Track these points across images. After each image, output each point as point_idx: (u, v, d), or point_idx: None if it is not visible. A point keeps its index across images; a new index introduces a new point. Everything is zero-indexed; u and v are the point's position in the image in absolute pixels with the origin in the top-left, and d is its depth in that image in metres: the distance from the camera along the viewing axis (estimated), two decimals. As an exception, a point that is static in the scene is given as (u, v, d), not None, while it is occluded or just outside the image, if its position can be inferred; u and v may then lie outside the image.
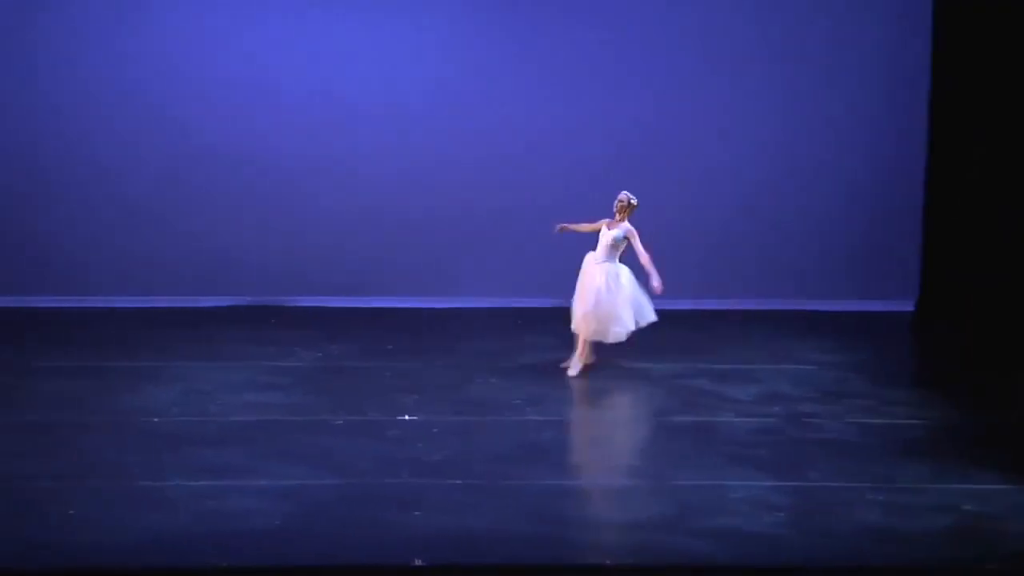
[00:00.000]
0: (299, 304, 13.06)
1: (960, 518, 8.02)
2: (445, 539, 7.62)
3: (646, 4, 13.04)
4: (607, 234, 10.62)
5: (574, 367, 10.72)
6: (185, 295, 12.97)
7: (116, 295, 12.91)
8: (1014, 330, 12.12)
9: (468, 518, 7.90)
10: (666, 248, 13.06)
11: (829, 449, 9.21)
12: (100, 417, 9.60)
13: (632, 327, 10.65)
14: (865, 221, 13.29)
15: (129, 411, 9.73)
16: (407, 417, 9.71)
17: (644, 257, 10.52)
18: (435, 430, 9.43)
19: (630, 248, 10.60)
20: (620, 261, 10.69)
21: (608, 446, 9.49)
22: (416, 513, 7.96)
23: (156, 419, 9.57)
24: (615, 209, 10.63)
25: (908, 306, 13.26)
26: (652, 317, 10.69)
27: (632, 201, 10.60)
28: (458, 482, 8.45)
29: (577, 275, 10.74)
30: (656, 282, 10.48)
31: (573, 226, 10.83)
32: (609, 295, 10.54)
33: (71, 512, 7.84)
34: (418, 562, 7.29)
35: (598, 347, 10.83)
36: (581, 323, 10.65)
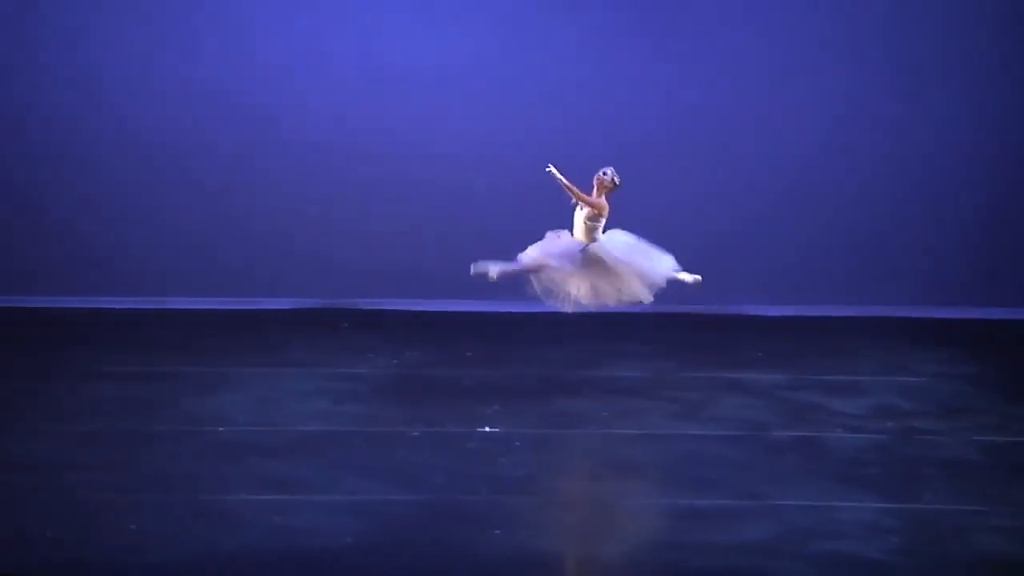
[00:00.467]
0: (373, 307, 13.06)
1: (1092, 546, 7.88)
2: (526, 561, 7.58)
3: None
4: (579, 214, 10.32)
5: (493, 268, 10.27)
6: (245, 296, 13.03)
7: (172, 295, 13.01)
8: None
9: (551, 539, 7.89)
10: (765, 249, 13.01)
11: (946, 469, 9.10)
12: (163, 426, 9.67)
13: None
14: (986, 219, 13.08)
15: (192, 419, 9.79)
16: (487, 429, 9.71)
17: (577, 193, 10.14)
18: (517, 444, 9.43)
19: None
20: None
21: (703, 463, 9.39)
22: (496, 532, 7.94)
23: (221, 428, 9.62)
24: (594, 184, 10.27)
25: (1035, 314, 13.05)
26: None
27: (616, 180, 10.34)
28: (541, 500, 8.45)
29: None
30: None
31: (563, 179, 10.22)
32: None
33: (132, 527, 7.89)
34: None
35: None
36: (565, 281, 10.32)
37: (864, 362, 11.55)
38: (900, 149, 13.05)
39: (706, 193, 13.01)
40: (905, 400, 10.48)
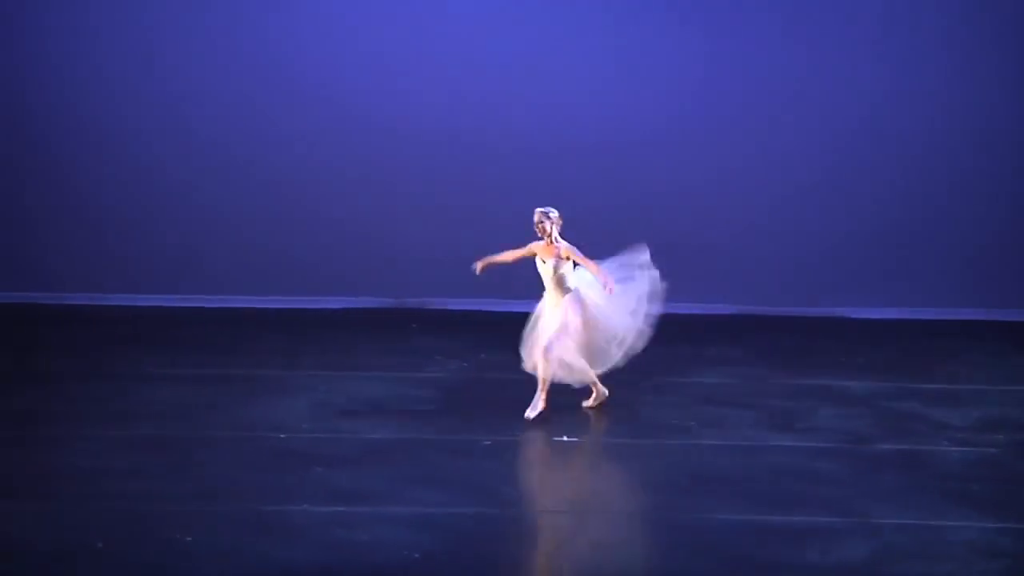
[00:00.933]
0: (444, 307, 13.08)
1: None
2: (606, 580, 7.57)
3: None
4: (544, 268, 10.18)
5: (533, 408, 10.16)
6: (309, 295, 13.06)
7: (232, 294, 13.06)
8: None
9: (632, 555, 7.87)
10: (858, 250, 12.93)
11: (1063, 486, 9.01)
12: (220, 431, 9.71)
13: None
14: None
15: (252, 425, 9.82)
16: (564, 438, 9.69)
17: (592, 268, 10.01)
18: (596, 454, 9.37)
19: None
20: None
21: (799, 476, 9.31)
22: (573, 549, 7.92)
23: (282, 435, 9.64)
24: (537, 232, 10.12)
25: None
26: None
27: (551, 215, 10.10)
28: (621, 513, 8.43)
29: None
30: (610, 285, 9.94)
31: (496, 259, 10.30)
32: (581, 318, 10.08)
33: (188, 539, 7.90)
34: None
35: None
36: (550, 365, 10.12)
37: (969, 369, 11.47)
38: (998, 158, 12.92)
39: (802, 191, 12.93)
40: (1017, 410, 10.38)
